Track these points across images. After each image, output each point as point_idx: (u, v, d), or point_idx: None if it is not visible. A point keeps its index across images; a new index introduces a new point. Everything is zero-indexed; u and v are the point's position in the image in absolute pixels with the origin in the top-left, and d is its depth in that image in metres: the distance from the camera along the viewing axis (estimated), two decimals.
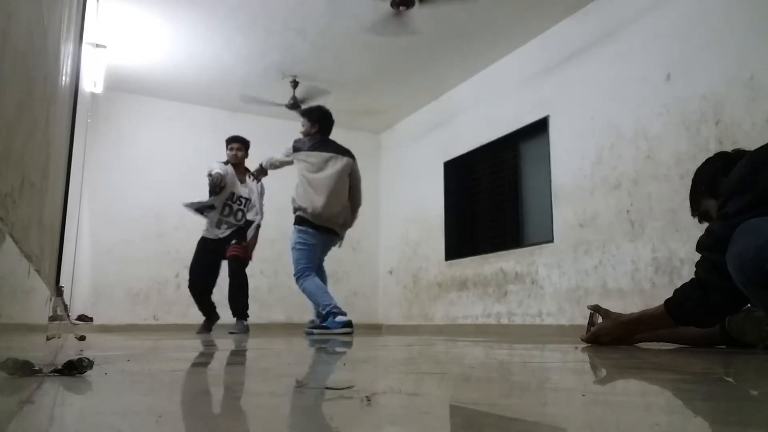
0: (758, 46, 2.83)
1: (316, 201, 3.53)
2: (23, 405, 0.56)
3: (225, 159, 4.13)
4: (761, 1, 2.86)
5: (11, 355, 0.70)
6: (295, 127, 6.05)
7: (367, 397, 0.62)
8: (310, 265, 3.51)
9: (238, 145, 4.12)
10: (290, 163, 3.78)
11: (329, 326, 3.31)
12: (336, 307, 3.37)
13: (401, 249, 5.92)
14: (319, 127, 3.70)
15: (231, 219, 4.00)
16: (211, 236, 3.98)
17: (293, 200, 3.64)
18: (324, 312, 3.37)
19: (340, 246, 3.86)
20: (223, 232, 3.99)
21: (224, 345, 2.05)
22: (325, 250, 3.73)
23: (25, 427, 0.48)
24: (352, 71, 4.95)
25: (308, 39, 4.40)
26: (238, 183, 4.05)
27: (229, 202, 4.00)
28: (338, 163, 3.62)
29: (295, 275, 3.54)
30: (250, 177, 4.06)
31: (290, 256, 3.76)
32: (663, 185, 3.23)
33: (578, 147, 3.87)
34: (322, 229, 3.59)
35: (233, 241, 3.97)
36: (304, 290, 3.50)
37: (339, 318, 3.33)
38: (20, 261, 0.72)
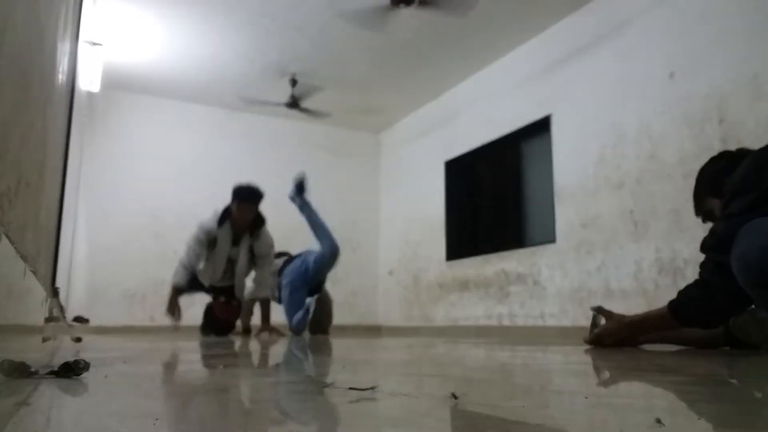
0: (762, 44, 2.82)
1: None
2: (19, 407, 0.56)
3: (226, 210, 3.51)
4: (765, 0, 2.84)
5: (7, 356, 0.69)
6: (293, 125, 6.08)
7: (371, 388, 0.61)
8: None
9: (253, 207, 3.46)
10: None
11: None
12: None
13: (401, 249, 5.92)
14: None
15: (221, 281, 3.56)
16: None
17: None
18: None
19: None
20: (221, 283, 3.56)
21: (222, 347, 2.05)
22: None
23: (21, 429, 0.48)
24: (351, 69, 4.95)
25: (307, 37, 4.39)
26: (229, 245, 3.50)
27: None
28: None
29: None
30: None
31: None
32: (666, 185, 3.22)
33: (581, 146, 3.86)
34: None
35: (222, 299, 3.57)
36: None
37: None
38: (16, 262, 0.71)
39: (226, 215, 3.47)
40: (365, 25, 4.03)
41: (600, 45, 3.80)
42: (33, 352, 1.05)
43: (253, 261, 3.59)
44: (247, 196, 3.44)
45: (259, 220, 3.53)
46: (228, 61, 4.77)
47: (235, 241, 3.51)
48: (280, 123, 5.98)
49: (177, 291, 3.48)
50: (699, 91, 3.10)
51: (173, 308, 3.45)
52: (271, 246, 3.64)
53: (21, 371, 0.72)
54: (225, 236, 3.47)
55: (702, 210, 1.64)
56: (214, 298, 3.58)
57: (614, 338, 1.71)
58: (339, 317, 6.06)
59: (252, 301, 3.75)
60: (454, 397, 0.58)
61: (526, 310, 4.20)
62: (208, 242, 3.46)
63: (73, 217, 3.68)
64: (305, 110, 5.29)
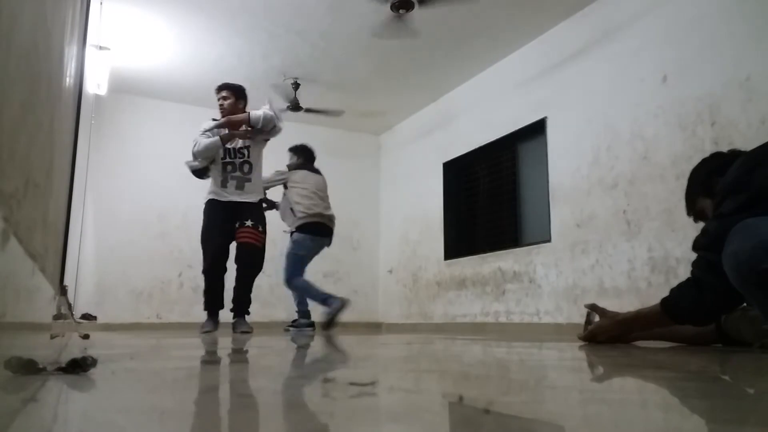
0: (754, 48, 2.85)
1: (308, 204, 4.03)
2: (27, 403, 0.57)
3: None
4: (757, 4, 2.87)
5: (15, 353, 0.70)
6: (295, 128, 6.07)
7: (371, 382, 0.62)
8: (299, 271, 4.05)
9: (225, 93, 3.51)
10: (280, 182, 4.17)
11: (334, 306, 3.80)
12: (325, 293, 3.91)
13: (401, 248, 5.93)
14: (303, 158, 4.31)
15: (237, 173, 3.37)
16: (221, 198, 3.33)
17: (290, 213, 4.04)
18: (323, 299, 3.86)
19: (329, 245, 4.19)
20: (233, 195, 3.34)
21: (226, 344, 2.06)
22: (314, 255, 4.19)
23: (29, 424, 0.48)
24: (352, 73, 4.97)
25: (309, 41, 4.42)
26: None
27: (229, 159, 3.39)
28: (316, 178, 4.25)
29: (286, 279, 4.01)
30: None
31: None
32: (659, 186, 3.25)
33: (575, 148, 3.89)
34: (320, 231, 4.05)
35: (248, 223, 3.31)
36: (296, 289, 4.01)
37: (334, 298, 3.86)
38: (25, 260, 0.72)
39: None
40: (366, 30, 4.05)
41: (594, 49, 3.83)
42: (41, 349, 1.06)
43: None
44: (219, 87, 3.57)
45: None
46: (232, 65, 4.78)
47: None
48: (283, 126, 6.00)
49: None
50: (691, 94, 3.12)
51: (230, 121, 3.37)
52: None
53: (29, 368, 0.72)
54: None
55: (694, 210, 1.65)
56: (241, 222, 3.33)
57: (608, 335, 1.73)
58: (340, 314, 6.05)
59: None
60: (461, 399, 0.60)
61: (521, 308, 4.22)
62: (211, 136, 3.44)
63: (80, 217, 3.67)
64: (312, 111, 5.26)
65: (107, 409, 0.56)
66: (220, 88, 3.57)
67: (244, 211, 3.34)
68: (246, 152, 3.45)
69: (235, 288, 3.34)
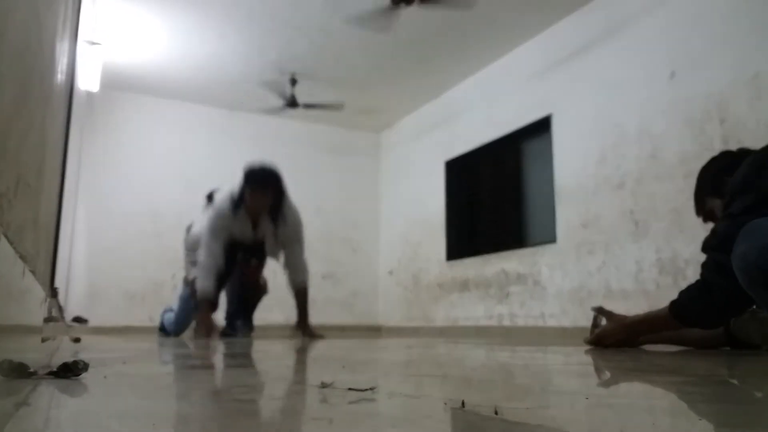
0: (763, 44, 2.82)
1: None
2: (19, 407, 0.56)
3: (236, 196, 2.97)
4: (765, 0, 2.84)
5: (6, 356, 0.69)
6: (292, 125, 6.08)
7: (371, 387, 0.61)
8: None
9: (267, 193, 2.90)
10: None
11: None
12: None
13: (402, 249, 5.92)
14: None
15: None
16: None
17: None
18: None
19: None
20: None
21: (222, 348, 2.05)
22: None
23: (21, 429, 0.48)
24: (351, 69, 4.95)
25: (307, 36, 4.40)
26: (248, 231, 2.99)
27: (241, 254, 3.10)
28: None
29: (175, 332, 3.42)
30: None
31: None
32: (667, 185, 3.22)
33: (581, 146, 3.86)
34: None
35: (254, 262, 3.22)
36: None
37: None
38: (15, 262, 0.71)
39: (240, 200, 2.89)
40: (365, 25, 4.02)
41: (600, 45, 3.80)
42: (32, 353, 1.05)
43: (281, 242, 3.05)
44: (257, 182, 2.86)
45: (276, 204, 2.92)
46: (227, 61, 4.77)
47: (255, 225, 2.99)
48: (280, 123, 5.98)
49: (210, 305, 2.85)
50: (700, 91, 3.10)
51: (209, 326, 2.78)
52: (298, 226, 3.03)
53: (20, 371, 0.72)
54: (242, 226, 2.95)
55: (703, 210, 1.64)
56: (245, 261, 3.12)
57: (615, 339, 1.71)
58: (339, 317, 6.06)
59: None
60: (463, 404, 0.58)
61: (526, 311, 4.20)
62: (226, 234, 2.93)
63: (71, 217, 3.66)
64: (311, 106, 5.23)
65: (99, 414, 0.55)
66: (266, 184, 2.87)
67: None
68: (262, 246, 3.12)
69: (236, 308, 3.34)
